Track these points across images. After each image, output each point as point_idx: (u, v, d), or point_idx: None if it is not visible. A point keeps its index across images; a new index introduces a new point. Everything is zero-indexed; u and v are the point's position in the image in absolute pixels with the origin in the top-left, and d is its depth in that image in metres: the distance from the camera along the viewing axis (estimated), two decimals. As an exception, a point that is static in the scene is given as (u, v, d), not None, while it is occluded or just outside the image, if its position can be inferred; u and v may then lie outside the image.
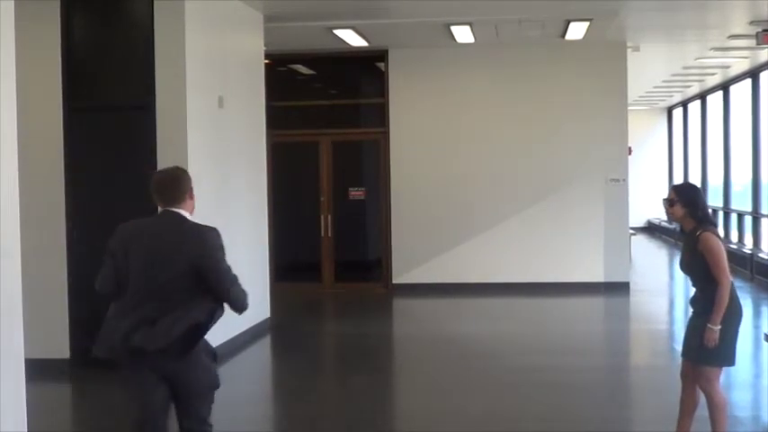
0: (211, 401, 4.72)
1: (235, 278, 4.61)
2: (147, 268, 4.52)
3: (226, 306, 4.65)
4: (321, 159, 14.34)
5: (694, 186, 5.90)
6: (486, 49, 13.77)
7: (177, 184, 4.72)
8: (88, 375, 8.64)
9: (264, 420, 7.64)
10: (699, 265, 5.50)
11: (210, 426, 4.71)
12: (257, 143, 11.11)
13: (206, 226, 4.74)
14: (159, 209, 4.73)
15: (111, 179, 8.86)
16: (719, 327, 5.42)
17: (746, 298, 13.58)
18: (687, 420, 5.78)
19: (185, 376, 4.59)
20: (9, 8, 4.78)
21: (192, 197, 4.78)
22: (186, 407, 4.66)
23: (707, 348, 5.47)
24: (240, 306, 4.63)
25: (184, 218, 4.70)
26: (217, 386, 4.73)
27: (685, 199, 5.60)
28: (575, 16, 11.65)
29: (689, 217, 5.59)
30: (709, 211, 5.70)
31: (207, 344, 4.78)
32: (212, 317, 4.60)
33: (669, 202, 5.63)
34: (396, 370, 9.73)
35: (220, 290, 4.55)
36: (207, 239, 4.62)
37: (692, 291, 5.75)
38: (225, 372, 8.98)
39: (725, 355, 5.57)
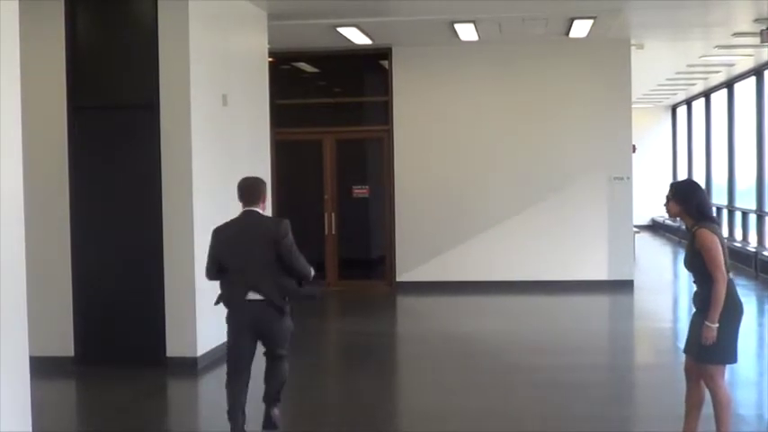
0: (287, 340, 6.42)
1: (299, 255, 6.24)
2: (242, 252, 6.18)
3: None
4: (325, 157, 14.35)
5: (691, 183, 5.92)
6: (490, 46, 13.76)
7: (257, 190, 6.41)
8: (92, 373, 8.67)
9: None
10: (697, 262, 5.53)
11: (286, 355, 6.47)
12: (261, 141, 11.11)
13: (278, 218, 6.63)
14: (242, 207, 6.37)
15: (115, 177, 8.88)
16: (717, 325, 5.42)
17: (750, 296, 13.55)
18: (694, 417, 5.77)
19: (269, 326, 6.27)
20: (13, 7, 4.79)
21: (264, 200, 6.45)
22: (269, 345, 6.38)
23: (707, 346, 5.48)
24: (306, 275, 6.31)
25: (261, 214, 6.38)
26: (291, 330, 6.42)
27: (680, 196, 5.64)
28: (578, 14, 11.64)
29: (685, 214, 5.63)
30: (710, 207, 5.68)
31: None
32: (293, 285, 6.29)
33: (666, 199, 5.69)
34: (399, 368, 9.74)
35: (294, 269, 6.22)
36: (284, 230, 6.24)
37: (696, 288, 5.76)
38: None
39: (726, 352, 5.57)
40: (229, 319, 6.32)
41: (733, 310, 5.52)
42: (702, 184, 22.60)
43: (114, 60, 8.96)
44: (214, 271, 6.35)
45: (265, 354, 6.46)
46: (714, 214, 5.73)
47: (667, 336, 10.89)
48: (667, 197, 5.67)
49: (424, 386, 8.46)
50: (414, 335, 11.30)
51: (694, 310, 5.71)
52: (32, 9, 7.98)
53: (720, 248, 5.47)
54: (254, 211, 6.32)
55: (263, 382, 6.51)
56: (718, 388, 5.57)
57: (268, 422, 6.45)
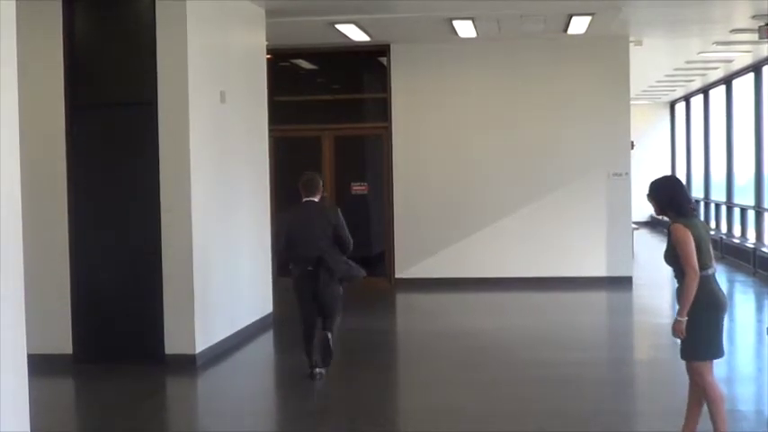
0: (339, 303, 8.20)
1: (347, 232, 8.07)
2: (308, 232, 7.94)
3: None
4: (323, 154, 14.34)
5: (664, 179, 5.93)
6: (488, 43, 13.76)
7: (315, 184, 8.18)
8: (91, 371, 8.67)
9: (267, 415, 7.67)
10: (673, 257, 5.57)
11: (338, 322, 8.27)
12: (259, 138, 11.12)
13: (333, 206, 8.80)
14: (303, 197, 8.11)
15: (114, 175, 8.87)
16: (685, 318, 5.48)
17: (749, 292, 13.57)
18: (694, 413, 5.79)
19: (327, 291, 8.01)
20: (11, 6, 4.79)
21: (321, 191, 8.21)
22: (326, 311, 8.11)
23: (691, 343, 5.54)
24: (349, 245, 8.10)
25: (319, 203, 8.17)
26: (340, 297, 8.21)
27: (652, 193, 5.74)
28: (577, 11, 11.64)
29: (661, 210, 5.72)
30: (684, 203, 5.68)
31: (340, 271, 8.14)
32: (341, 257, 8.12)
33: (647, 198, 5.79)
34: (399, 364, 9.74)
35: (343, 241, 8.04)
36: (336, 213, 8.12)
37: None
38: (228, 366, 9.04)
39: (710, 347, 5.61)
40: (297, 287, 8.09)
41: (711, 306, 5.56)
42: (701, 181, 22.61)
43: (112, 58, 8.95)
44: (284, 246, 8.08)
45: (322, 328, 8.15)
46: (691, 209, 5.71)
47: (666, 332, 10.79)
48: (647, 195, 5.77)
49: (425, 382, 8.45)
50: (413, 332, 11.31)
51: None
52: (30, 8, 7.97)
53: (692, 244, 5.48)
54: (312, 200, 8.13)
55: (319, 347, 8.17)
56: (707, 384, 5.60)
57: (325, 346, 8.14)
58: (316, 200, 8.16)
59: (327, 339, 8.07)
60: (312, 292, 8.00)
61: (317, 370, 8.12)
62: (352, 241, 8.13)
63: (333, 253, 8.00)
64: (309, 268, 7.92)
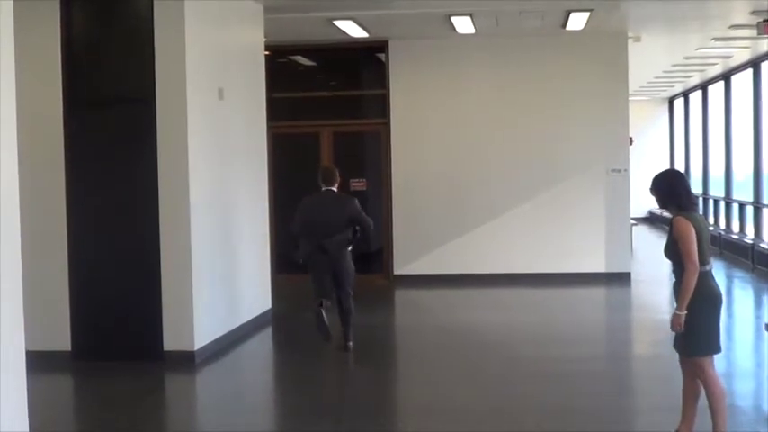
0: (352, 281, 9.19)
1: (365, 215, 9.09)
2: (322, 217, 8.90)
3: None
4: (322, 150, 14.33)
5: (665, 173, 5.96)
6: (487, 39, 13.76)
7: (333, 174, 9.18)
8: (89, 367, 8.67)
9: (266, 411, 7.67)
10: (674, 251, 5.56)
11: (351, 294, 9.22)
12: (258, 135, 11.11)
13: (350, 195, 9.68)
14: (322, 187, 9.12)
15: (112, 173, 8.86)
16: (684, 312, 5.48)
17: (748, 288, 13.58)
18: (690, 408, 5.80)
19: (340, 266, 8.99)
20: (9, 5, 4.78)
21: (338, 182, 9.19)
22: (339, 283, 9.07)
23: (693, 338, 5.55)
24: (368, 227, 9.12)
25: (336, 192, 9.15)
26: (353, 272, 9.22)
27: (654, 186, 5.75)
28: (575, 7, 11.64)
29: (663, 203, 5.72)
30: (685, 196, 5.67)
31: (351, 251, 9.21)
32: (353, 238, 9.09)
33: (649, 191, 5.79)
34: (399, 361, 9.75)
35: (362, 225, 9.04)
36: (353, 202, 9.08)
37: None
38: (227, 362, 9.05)
39: (710, 342, 5.64)
40: (312, 264, 8.96)
41: (710, 301, 5.58)
42: (700, 176, 22.61)
43: (110, 55, 8.93)
44: (299, 227, 9.04)
45: (337, 300, 9.12)
46: (692, 203, 5.70)
47: (665, 327, 10.78)
48: (649, 189, 5.78)
49: (423, 379, 8.46)
50: (412, 328, 11.31)
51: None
52: (29, 6, 7.96)
53: (694, 238, 5.48)
54: (331, 189, 9.09)
55: (340, 324, 9.24)
56: (709, 380, 5.61)
57: (346, 348, 9.19)
58: (334, 189, 9.11)
59: (344, 306, 9.15)
60: (325, 264, 8.92)
61: (325, 302, 8.92)
62: (371, 222, 9.15)
63: (345, 236, 8.96)
64: (319, 244, 8.88)
